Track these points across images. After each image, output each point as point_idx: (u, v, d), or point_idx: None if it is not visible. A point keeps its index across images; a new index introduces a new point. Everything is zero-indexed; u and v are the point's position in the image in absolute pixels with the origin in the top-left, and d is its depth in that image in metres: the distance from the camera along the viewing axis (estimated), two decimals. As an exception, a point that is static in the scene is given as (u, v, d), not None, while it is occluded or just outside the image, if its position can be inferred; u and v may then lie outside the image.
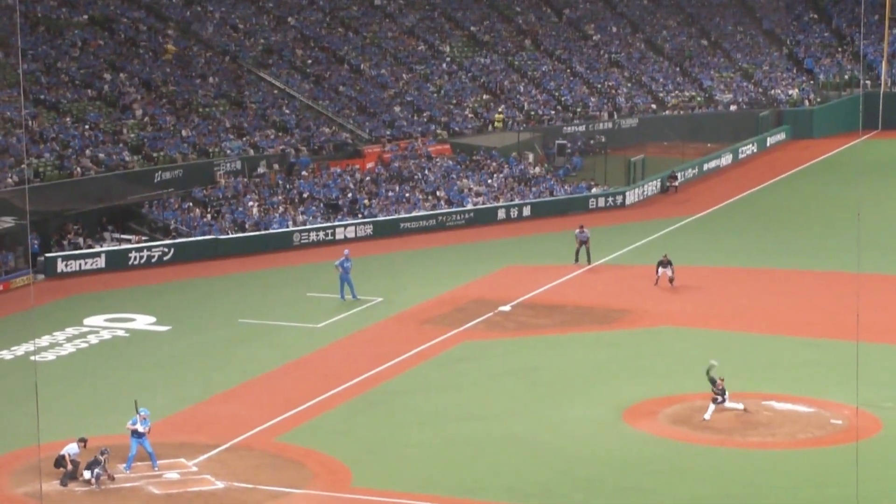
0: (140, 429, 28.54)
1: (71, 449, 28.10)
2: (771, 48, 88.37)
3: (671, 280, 44.91)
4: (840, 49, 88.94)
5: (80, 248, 49.07)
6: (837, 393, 33.03)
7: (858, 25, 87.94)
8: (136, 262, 49.01)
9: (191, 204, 53.92)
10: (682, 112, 78.36)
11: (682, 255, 47.84)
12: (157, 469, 28.56)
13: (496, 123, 70.93)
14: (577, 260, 48.44)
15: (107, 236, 51.16)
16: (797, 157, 74.17)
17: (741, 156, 73.97)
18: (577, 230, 48.91)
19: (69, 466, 27.92)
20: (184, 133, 58.43)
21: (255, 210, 54.25)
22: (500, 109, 72.28)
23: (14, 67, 55.40)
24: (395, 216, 55.93)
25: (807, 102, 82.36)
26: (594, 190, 61.99)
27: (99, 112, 57.70)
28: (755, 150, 75.68)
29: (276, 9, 74.19)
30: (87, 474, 27.68)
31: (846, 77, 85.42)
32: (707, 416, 31.40)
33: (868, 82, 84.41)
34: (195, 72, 64.47)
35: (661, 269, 45.14)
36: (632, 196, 62.13)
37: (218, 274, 48.16)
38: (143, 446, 28.57)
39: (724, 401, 31.63)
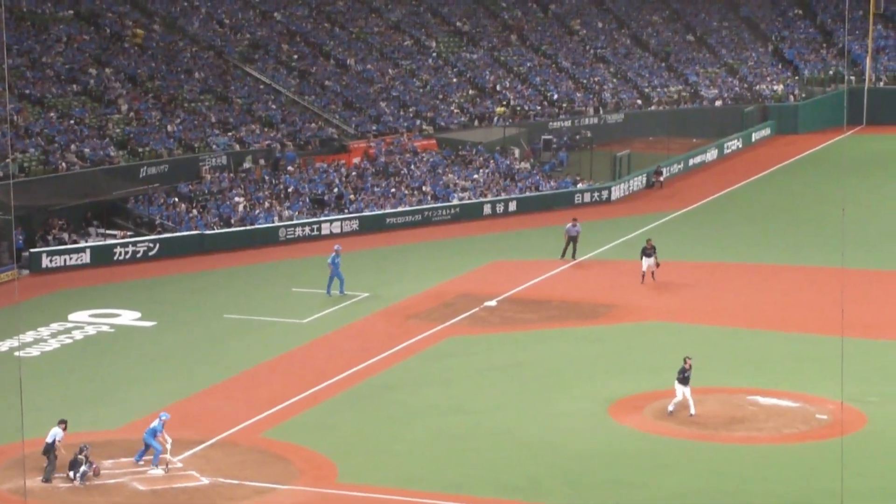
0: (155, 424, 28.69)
1: (57, 434, 28.06)
2: (756, 44, 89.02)
3: (653, 274, 44.82)
4: (825, 45, 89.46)
5: (65, 244, 49.10)
6: (823, 388, 33.24)
7: (843, 21, 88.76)
8: (121, 258, 49.06)
9: (176, 199, 54.02)
10: (667, 107, 78.81)
11: (668, 249, 47.94)
12: (140, 463, 28.68)
13: (497, 117, 71.30)
14: (563, 255, 48.67)
15: (92, 231, 51.44)
16: (782, 153, 74.64)
17: (726, 151, 74.46)
18: (570, 224, 49.03)
19: (60, 452, 27.83)
20: (169, 128, 58.58)
21: (240, 205, 54.44)
22: (503, 102, 72.71)
23: (-1, 62, 56.04)
24: (381, 211, 56.14)
25: (792, 98, 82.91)
26: (580, 185, 62.35)
27: (84, 107, 57.85)
28: (740, 146, 76.07)
29: (261, 4, 74.50)
30: (71, 475, 27.63)
31: (831, 73, 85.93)
32: (692, 411, 31.52)
33: (853, 78, 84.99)
34: (181, 67, 64.64)
35: (645, 261, 44.98)
36: (617, 191, 62.47)
37: (203, 269, 48.27)
38: (153, 444, 28.69)
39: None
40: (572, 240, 48.62)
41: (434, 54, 76.41)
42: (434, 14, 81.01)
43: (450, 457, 29.64)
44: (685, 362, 31.58)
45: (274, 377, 35.48)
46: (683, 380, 31.50)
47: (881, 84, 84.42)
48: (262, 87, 66.02)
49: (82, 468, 27.52)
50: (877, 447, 29.80)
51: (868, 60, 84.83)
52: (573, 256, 48.56)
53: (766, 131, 79.63)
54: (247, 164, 58.47)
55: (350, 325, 40.50)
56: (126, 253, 49.23)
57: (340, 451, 29.69)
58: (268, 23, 72.83)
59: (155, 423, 28.62)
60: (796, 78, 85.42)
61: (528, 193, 60.45)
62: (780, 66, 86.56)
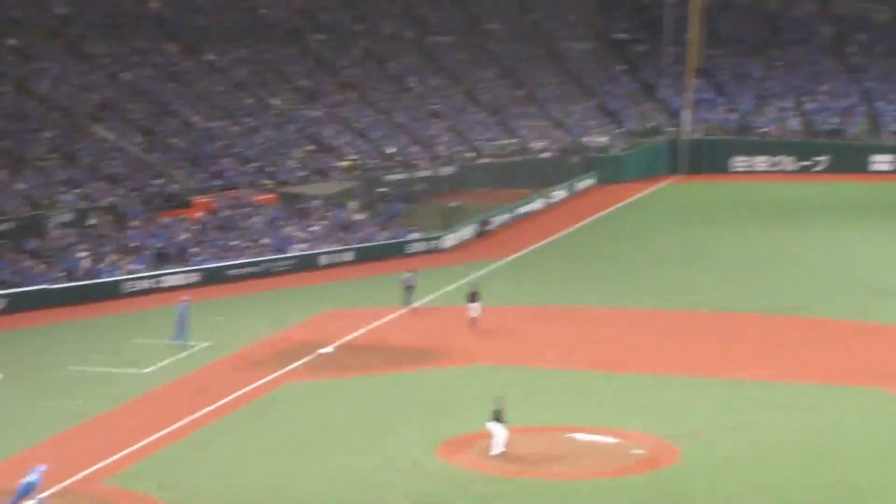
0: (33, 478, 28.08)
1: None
2: (582, 98, 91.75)
3: (476, 321, 45.79)
4: (646, 98, 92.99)
5: (-88, 301, 48.96)
6: (639, 424, 34.25)
7: (663, 77, 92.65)
8: (-32, 314, 49.61)
9: (23, 255, 54.07)
10: (497, 160, 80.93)
11: (496, 295, 48.90)
12: None
13: (342, 168, 72.70)
14: (408, 304, 49.54)
15: (-61, 288, 50.77)
16: (604, 201, 76.84)
17: (552, 200, 76.49)
18: (409, 273, 50.03)
19: None
20: (18, 186, 58.59)
21: (85, 260, 54.59)
22: (347, 157, 74.11)
23: None
24: (222, 263, 56.50)
25: (615, 149, 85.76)
26: (413, 235, 63.65)
27: (-68, 166, 57.71)
28: (566, 195, 78.36)
29: (110, 64, 74.55)
30: None
31: (652, 125, 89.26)
32: (503, 448, 32.29)
33: (673, 129, 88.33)
34: (30, 126, 64.56)
35: (472, 307, 45.91)
36: (449, 240, 64.01)
37: (49, 323, 48.16)
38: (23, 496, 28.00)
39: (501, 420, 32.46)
40: (409, 289, 49.69)
41: (275, 112, 77.57)
42: (277, 73, 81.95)
43: (287, 499, 29.65)
44: (497, 403, 32.52)
45: (115, 426, 35.55)
46: (497, 419, 32.32)
47: (699, 135, 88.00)
48: (107, 145, 66.32)
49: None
50: (688, 480, 30.71)
51: (686, 113, 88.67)
52: (408, 303, 49.50)
53: (591, 181, 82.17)
54: (93, 220, 58.58)
55: (191, 373, 40.93)
56: (-27, 309, 49.52)
57: (179, 495, 29.57)
58: (115, 83, 73.20)
59: (32, 477, 27.93)
60: (619, 130, 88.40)
61: (363, 244, 61.38)
62: (604, 119, 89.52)
